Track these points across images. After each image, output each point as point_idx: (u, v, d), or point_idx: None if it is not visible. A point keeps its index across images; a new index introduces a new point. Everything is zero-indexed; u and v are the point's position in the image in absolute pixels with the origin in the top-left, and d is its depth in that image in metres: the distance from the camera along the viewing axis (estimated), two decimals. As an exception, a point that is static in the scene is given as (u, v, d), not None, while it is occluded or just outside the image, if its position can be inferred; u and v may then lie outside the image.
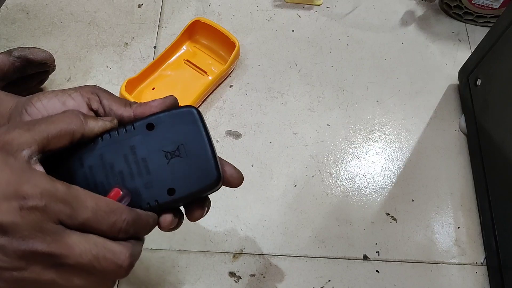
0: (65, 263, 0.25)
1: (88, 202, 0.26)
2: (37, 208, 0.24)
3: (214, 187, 0.31)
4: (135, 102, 0.33)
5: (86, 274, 0.26)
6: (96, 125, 0.29)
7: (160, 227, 0.31)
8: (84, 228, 0.26)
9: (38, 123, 0.27)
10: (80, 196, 0.26)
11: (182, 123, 0.31)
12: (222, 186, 0.33)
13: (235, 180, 0.34)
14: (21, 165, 0.25)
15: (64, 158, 0.30)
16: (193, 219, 0.32)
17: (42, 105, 0.31)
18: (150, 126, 0.30)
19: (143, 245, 0.30)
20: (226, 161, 0.33)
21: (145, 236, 0.30)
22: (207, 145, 0.31)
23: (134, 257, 0.27)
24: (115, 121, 0.31)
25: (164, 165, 0.30)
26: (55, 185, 0.25)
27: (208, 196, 0.33)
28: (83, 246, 0.25)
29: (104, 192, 0.29)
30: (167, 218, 0.31)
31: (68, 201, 0.25)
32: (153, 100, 0.32)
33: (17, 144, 0.25)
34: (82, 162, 0.30)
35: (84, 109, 0.32)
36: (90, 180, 0.30)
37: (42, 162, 0.27)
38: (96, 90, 0.33)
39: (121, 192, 0.28)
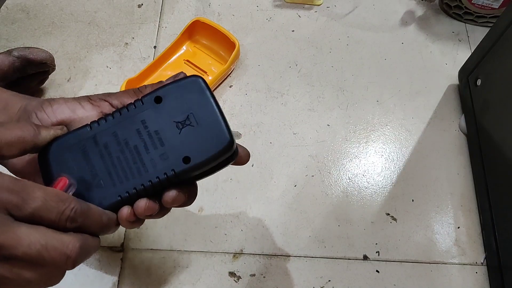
0: (14, 255, 0.25)
1: (37, 192, 0.26)
2: None
3: (227, 150, 0.31)
4: (146, 86, 0.34)
5: (35, 266, 0.26)
6: (48, 134, 0.30)
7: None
8: (33, 218, 0.26)
9: None
10: (28, 187, 0.26)
11: (189, 92, 0.31)
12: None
13: (244, 157, 0.35)
14: None
15: (76, 140, 0.31)
16: (166, 197, 0.31)
17: (52, 111, 0.32)
18: (158, 99, 0.31)
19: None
20: None
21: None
22: (216, 111, 0.31)
23: (83, 249, 0.27)
24: (65, 128, 0.31)
25: (177, 135, 0.30)
26: (2, 176, 0.25)
27: (196, 183, 0.33)
28: (32, 236, 0.25)
29: (122, 170, 0.30)
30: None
31: (16, 191, 0.25)
32: (165, 80, 0.33)
33: None
34: (97, 141, 0.31)
35: (95, 116, 0.32)
36: (106, 158, 0.30)
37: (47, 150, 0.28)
38: (104, 96, 0.33)
39: (67, 181, 0.29)
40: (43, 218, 0.26)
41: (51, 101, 0.32)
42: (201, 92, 0.31)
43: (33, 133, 0.29)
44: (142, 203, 0.30)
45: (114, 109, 0.33)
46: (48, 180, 0.30)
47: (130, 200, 0.30)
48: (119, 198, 0.30)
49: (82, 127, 0.31)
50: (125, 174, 0.30)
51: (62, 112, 0.32)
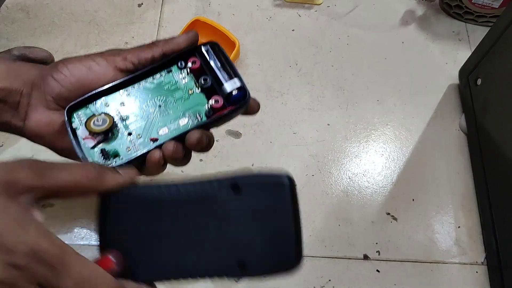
0: None
1: (73, 271, 0.23)
2: (18, 266, 0.22)
3: (287, 272, 0.29)
4: (159, 40, 0.33)
5: None
6: (113, 182, 0.27)
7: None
8: None
9: (51, 168, 0.25)
10: (69, 261, 0.24)
11: (270, 194, 0.28)
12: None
13: (255, 106, 0.35)
14: (19, 213, 0.23)
15: (143, 200, 0.28)
16: (190, 141, 0.31)
17: (68, 71, 0.31)
18: (235, 187, 0.28)
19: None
20: None
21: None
22: (291, 224, 0.28)
23: None
24: (135, 175, 0.29)
25: (242, 234, 0.28)
26: (47, 243, 0.23)
27: (211, 130, 0.33)
28: None
29: (174, 249, 0.28)
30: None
31: (53, 264, 0.23)
32: (178, 37, 0.33)
33: (22, 187, 0.24)
34: (161, 210, 0.28)
35: (111, 72, 0.32)
36: (163, 233, 0.28)
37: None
38: (117, 51, 0.33)
39: (113, 265, 0.26)
40: None
41: (65, 62, 0.32)
42: (283, 197, 0.28)
43: (96, 180, 0.26)
44: (170, 146, 0.31)
45: (128, 63, 0.32)
46: (101, 226, 0.28)
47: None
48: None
49: (153, 186, 0.28)
50: (176, 258, 0.28)
51: (78, 71, 0.31)
